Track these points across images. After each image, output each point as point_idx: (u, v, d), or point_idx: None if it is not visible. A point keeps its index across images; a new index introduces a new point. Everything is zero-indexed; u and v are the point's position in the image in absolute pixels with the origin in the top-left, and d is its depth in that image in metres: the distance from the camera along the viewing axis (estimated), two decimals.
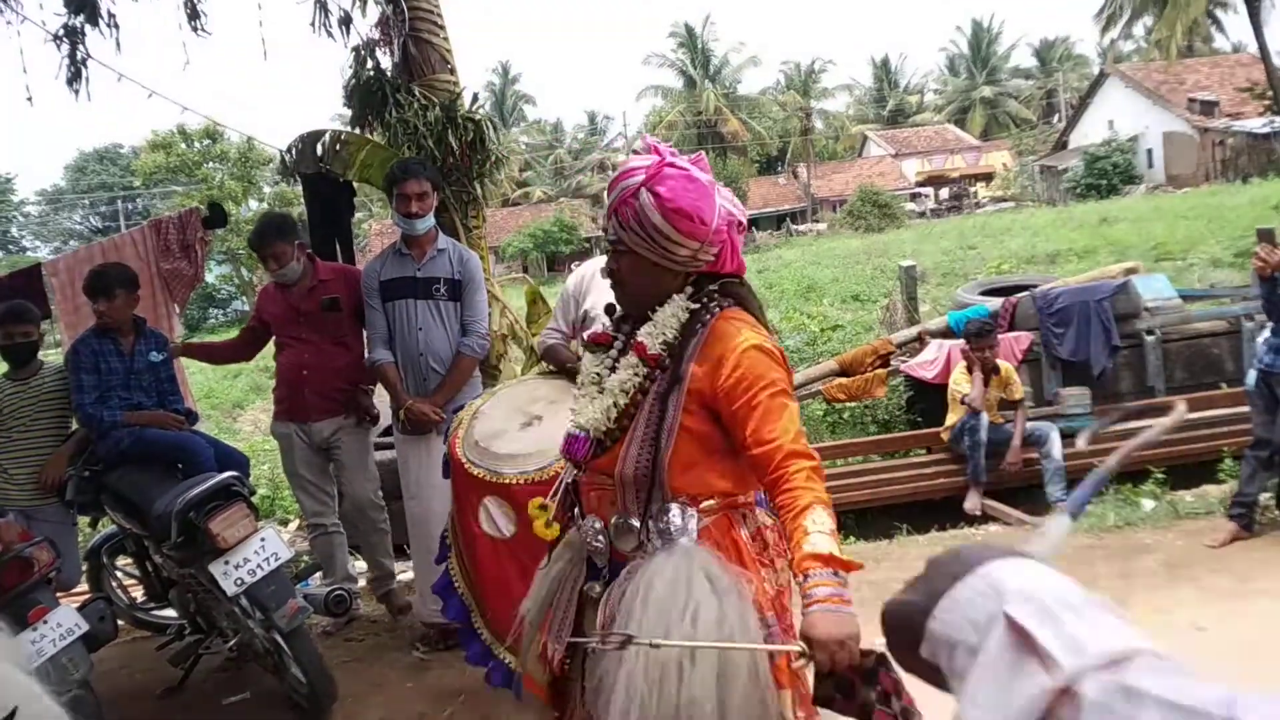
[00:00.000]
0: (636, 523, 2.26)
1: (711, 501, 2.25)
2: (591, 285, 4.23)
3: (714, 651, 1.99)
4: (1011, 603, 0.90)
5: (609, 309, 2.55)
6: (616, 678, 2.04)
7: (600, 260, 4.33)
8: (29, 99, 5.43)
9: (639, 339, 2.29)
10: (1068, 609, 0.88)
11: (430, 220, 4.74)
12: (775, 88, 60.70)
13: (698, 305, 2.27)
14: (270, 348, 5.36)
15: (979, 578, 0.95)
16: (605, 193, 2.36)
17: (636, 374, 2.28)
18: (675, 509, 2.22)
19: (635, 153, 2.32)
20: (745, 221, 2.32)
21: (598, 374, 2.40)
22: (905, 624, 1.03)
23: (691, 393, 2.21)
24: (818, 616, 1.93)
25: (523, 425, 3.86)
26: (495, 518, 3.66)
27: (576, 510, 2.44)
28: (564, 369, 4.14)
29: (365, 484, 5.12)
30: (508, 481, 3.63)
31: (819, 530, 2.01)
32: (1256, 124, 32.08)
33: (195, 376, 13.85)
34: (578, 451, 2.36)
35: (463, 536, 3.74)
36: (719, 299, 2.28)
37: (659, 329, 2.27)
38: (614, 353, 2.41)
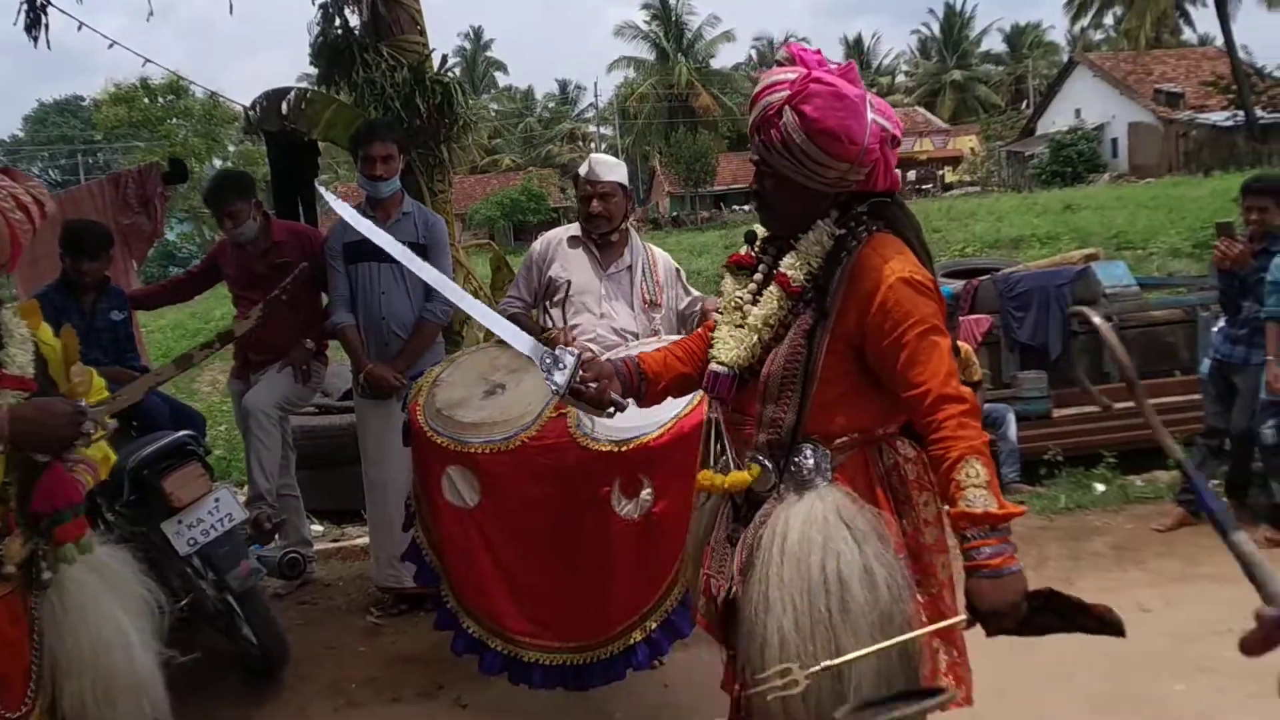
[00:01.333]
0: (770, 463, 2.17)
1: (845, 439, 2.14)
2: (556, 253, 4.22)
3: (870, 614, 1.91)
4: None
5: (749, 235, 2.41)
6: (766, 628, 1.98)
7: (568, 228, 4.34)
8: None
9: (782, 270, 2.17)
10: None
11: (395, 183, 4.69)
12: (748, 64, 60.53)
13: (844, 231, 2.14)
14: (225, 305, 5.30)
15: None
16: (748, 107, 2.21)
17: (780, 307, 2.16)
18: (808, 450, 2.12)
19: (779, 63, 2.16)
20: (900, 135, 2.18)
21: (739, 299, 2.27)
22: None
23: (837, 330, 2.10)
24: (979, 584, 1.87)
25: (485, 394, 3.84)
26: (459, 487, 3.65)
27: (718, 447, 2.31)
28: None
29: (265, 394, 4.94)
30: (473, 450, 3.61)
31: (973, 484, 1.90)
32: (1220, 117, 32.42)
33: (153, 335, 13.68)
34: (722, 389, 2.25)
35: (426, 505, 3.72)
36: (868, 223, 2.14)
37: (802, 259, 2.14)
38: (758, 279, 2.28)
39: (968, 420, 1.96)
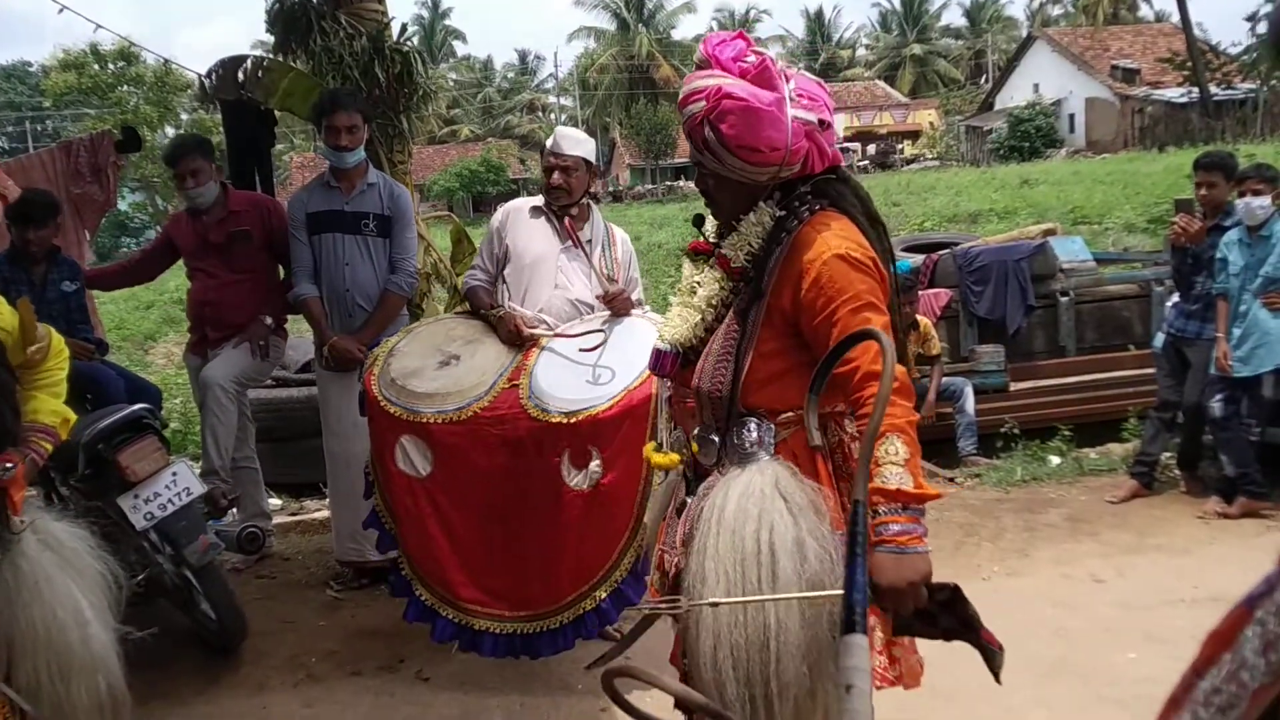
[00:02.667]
0: (716, 437, 2.19)
1: (790, 414, 2.15)
2: (514, 222, 4.22)
3: (795, 581, 1.91)
4: None
5: (698, 219, 2.45)
6: (703, 598, 1.98)
7: (529, 199, 4.33)
8: None
9: (722, 251, 2.21)
10: None
11: (360, 153, 4.65)
12: (708, 34, 60.28)
13: (784, 212, 2.16)
14: (178, 276, 5.22)
15: None
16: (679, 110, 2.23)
17: (721, 288, 2.20)
18: (752, 424, 2.14)
19: (698, 65, 2.17)
20: (830, 116, 2.16)
21: (695, 284, 2.30)
22: None
23: (772, 308, 2.12)
24: (882, 559, 1.85)
25: (440, 364, 3.87)
26: (412, 456, 3.69)
27: (661, 425, 2.37)
28: (479, 315, 4.14)
29: (222, 369, 4.85)
30: (425, 420, 3.65)
31: (891, 460, 1.89)
32: (1175, 94, 32.77)
33: (106, 307, 13.47)
34: (665, 367, 2.29)
35: (380, 473, 3.75)
36: (810, 202, 2.15)
37: (742, 239, 2.17)
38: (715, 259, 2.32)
39: (895, 398, 1.91)
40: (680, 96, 2.18)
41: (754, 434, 2.13)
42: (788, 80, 2.11)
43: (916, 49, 58.26)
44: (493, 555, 3.72)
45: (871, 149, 46.51)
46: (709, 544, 2.01)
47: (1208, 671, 0.58)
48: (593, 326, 4.00)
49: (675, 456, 2.27)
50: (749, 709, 1.92)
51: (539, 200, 4.23)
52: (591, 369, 3.75)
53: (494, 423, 3.65)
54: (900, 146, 45.62)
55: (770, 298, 2.11)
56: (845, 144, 47.32)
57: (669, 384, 2.37)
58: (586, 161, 4.14)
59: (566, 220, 4.13)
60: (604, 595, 3.62)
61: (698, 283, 2.30)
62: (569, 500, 3.60)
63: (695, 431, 2.26)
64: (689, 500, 2.27)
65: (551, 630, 3.67)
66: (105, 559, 2.59)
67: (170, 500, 3.89)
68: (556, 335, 3.96)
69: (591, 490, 3.58)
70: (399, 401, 3.71)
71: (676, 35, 55.97)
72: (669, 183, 42.20)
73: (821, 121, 2.13)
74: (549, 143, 4.17)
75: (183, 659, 4.16)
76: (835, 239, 2.06)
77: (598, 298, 4.08)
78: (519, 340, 3.94)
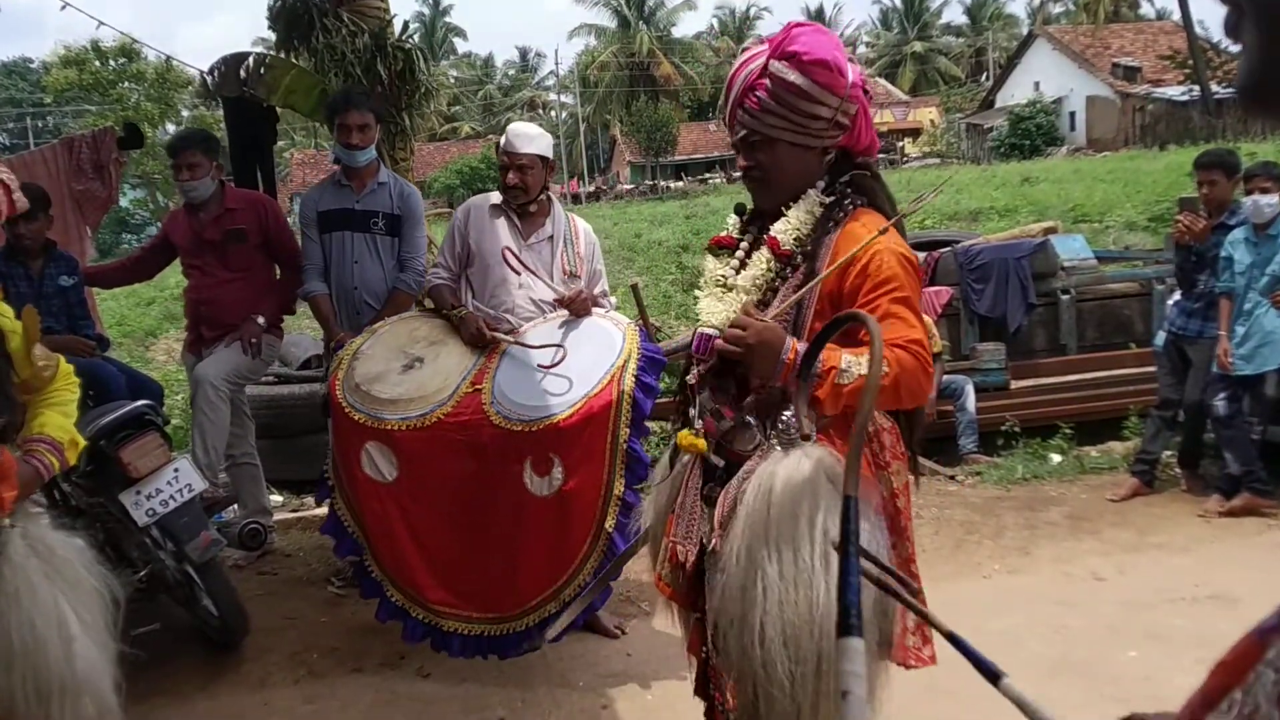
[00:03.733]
0: (755, 421, 2.19)
1: None
2: (475, 221, 4.22)
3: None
4: None
5: (739, 207, 2.47)
6: (748, 577, 1.99)
7: (489, 196, 4.33)
8: None
9: (772, 234, 2.23)
10: None
11: (371, 153, 4.67)
12: (709, 33, 60.33)
13: (831, 200, 2.21)
14: (177, 273, 5.22)
15: None
16: (724, 95, 2.30)
17: (769, 269, 2.22)
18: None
19: (745, 49, 2.25)
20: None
21: (722, 276, 2.32)
22: None
23: (822, 293, 2.14)
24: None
25: (404, 368, 3.89)
26: (377, 462, 3.71)
27: (691, 411, 2.33)
28: (442, 314, 4.14)
29: (214, 367, 4.83)
30: (389, 427, 3.66)
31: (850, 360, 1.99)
32: (1176, 92, 32.72)
33: (107, 303, 13.45)
34: (709, 354, 2.27)
35: (346, 479, 3.76)
36: (852, 196, 2.22)
37: (792, 224, 2.21)
38: (741, 253, 2.34)
39: (902, 351, 2.01)
40: (731, 73, 2.24)
41: (797, 419, 2.12)
42: None
43: (917, 46, 58.18)
44: (459, 559, 3.75)
45: None
46: (756, 525, 2.00)
47: (1218, 704, 0.57)
48: (553, 329, 4.00)
49: (703, 442, 2.25)
50: (797, 686, 1.92)
51: (499, 198, 4.24)
52: (552, 379, 3.76)
53: (458, 429, 3.67)
54: (900, 144, 45.59)
55: (820, 282, 2.14)
56: None
57: (696, 369, 2.36)
58: (542, 158, 4.15)
59: (525, 218, 4.17)
60: (569, 598, 3.64)
61: (724, 274, 2.32)
62: (532, 506, 3.64)
63: (736, 416, 2.23)
64: (715, 487, 2.25)
65: (518, 632, 3.72)
66: (103, 573, 2.44)
67: (172, 497, 3.89)
68: (517, 342, 3.95)
69: (554, 496, 3.62)
70: (363, 408, 3.72)
71: (677, 33, 55.99)
72: (666, 182, 42.11)
73: (866, 87, 2.20)
74: (503, 141, 4.18)
75: (185, 655, 4.17)
76: (888, 235, 2.13)
77: (555, 301, 4.08)
78: (483, 341, 3.94)
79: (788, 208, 2.24)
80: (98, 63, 38.74)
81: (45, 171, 5.97)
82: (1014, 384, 7.52)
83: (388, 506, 3.72)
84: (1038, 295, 8.06)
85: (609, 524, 3.64)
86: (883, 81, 55.72)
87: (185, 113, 39.79)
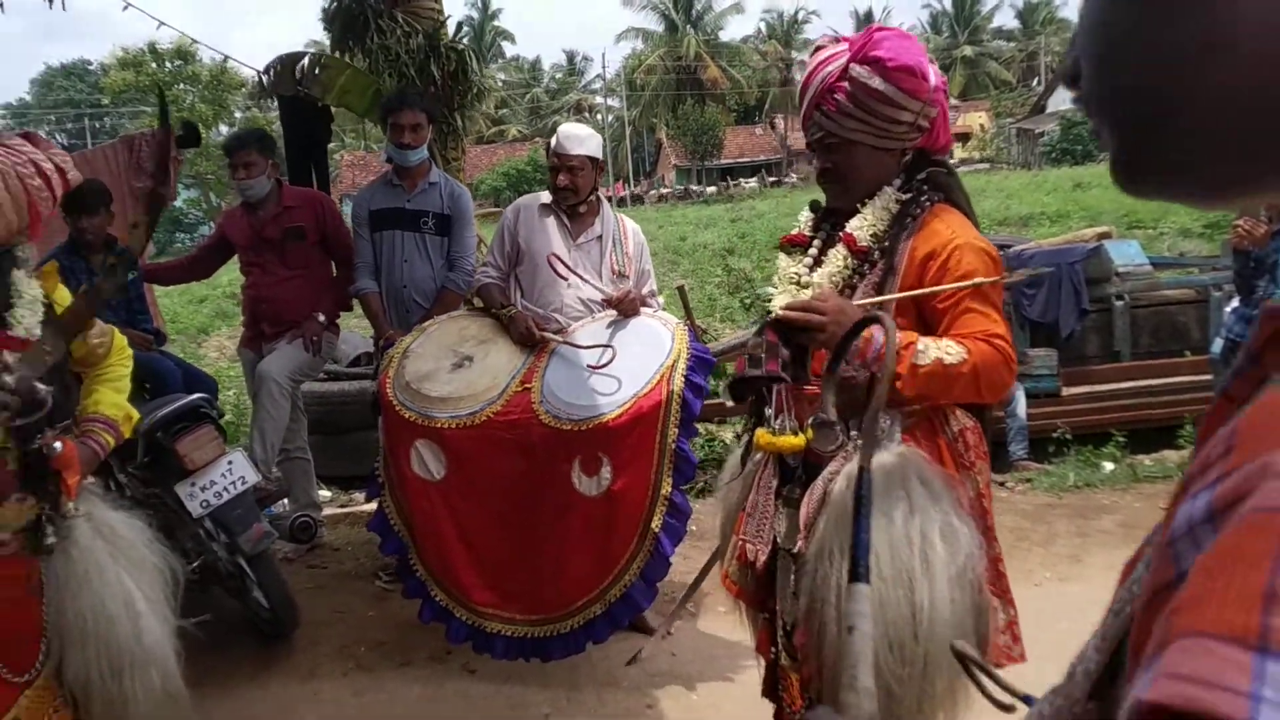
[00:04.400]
0: (838, 423, 2.12)
1: (916, 404, 2.14)
2: (525, 221, 4.24)
3: (949, 567, 1.92)
4: None
5: (814, 205, 2.47)
6: (844, 577, 1.94)
7: (539, 196, 4.34)
8: (0, 3, 5.25)
9: (848, 231, 2.23)
10: None
11: (423, 153, 4.71)
12: (757, 36, 60.16)
13: (908, 197, 2.20)
14: (231, 271, 5.29)
15: None
16: (799, 95, 2.30)
17: (845, 265, 2.22)
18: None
19: (819, 48, 2.26)
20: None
21: (796, 273, 2.31)
22: None
23: (901, 288, 2.13)
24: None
25: (454, 366, 3.89)
26: (426, 460, 3.71)
27: (768, 410, 2.30)
28: (491, 313, 4.15)
29: (278, 364, 4.91)
30: (439, 425, 3.67)
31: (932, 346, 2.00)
32: None
33: (161, 300, 13.63)
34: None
35: (395, 477, 3.78)
36: (929, 193, 2.21)
37: (869, 221, 2.20)
38: (814, 250, 2.34)
39: (984, 348, 2.01)
40: (807, 74, 2.24)
41: (884, 420, 2.12)
42: None
43: (967, 50, 57.67)
44: (506, 559, 3.75)
45: None
46: (849, 526, 1.97)
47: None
48: (602, 328, 4.01)
49: (800, 440, 2.19)
50: (902, 687, 1.90)
51: (548, 197, 4.26)
52: (601, 378, 3.77)
53: (507, 427, 3.68)
54: (951, 148, 45.20)
55: (899, 278, 2.14)
56: None
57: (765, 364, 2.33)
58: (592, 159, 4.17)
59: (574, 218, 4.19)
60: (614, 598, 3.65)
61: (797, 272, 2.31)
62: (580, 506, 3.63)
63: (811, 419, 2.17)
64: (794, 488, 2.22)
65: (562, 634, 3.71)
66: (163, 551, 2.56)
67: (226, 489, 3.95)
68: (566, 342, 3.97)
69: (602, 497, 3.61)
70: (413, 406, 3.73)
71: (724, 36, 55.97)
72: (700, 186, 42.06)
73: (944, 93, 2.21)
74: (553, 142, 4.19)
75: (236, 645, 4.22)
76: (969, 231, 2.14)
77: (603, 302, 4.09)
78: (532, 341, 3.96)
79: (863, 204, 2.22)
80: (154, 64, 39.45)
81: (106, 169, 6.07)
82: (1066, 390, 7.42)
83: (436, 504, 3.73)
84: (1091, 301, 7.96)
85: (655, 524, 3.64)
86: None
87: (238, 114, 40.42)
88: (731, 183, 42.31)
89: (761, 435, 2.26)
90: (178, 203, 36.76)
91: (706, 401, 4.02)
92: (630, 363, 3.79)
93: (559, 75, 66.86)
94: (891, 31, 2.13)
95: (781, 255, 2.44)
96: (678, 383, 3.68)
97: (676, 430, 3.67)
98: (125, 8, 6.33)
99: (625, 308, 4.01)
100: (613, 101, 58.02)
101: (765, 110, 55.09)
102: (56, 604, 2.29)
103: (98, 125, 48.84)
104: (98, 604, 2.31)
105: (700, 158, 45.27)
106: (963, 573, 1.94)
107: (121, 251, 4.96)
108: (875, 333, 1.97)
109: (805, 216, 2.45)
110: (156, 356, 4.79)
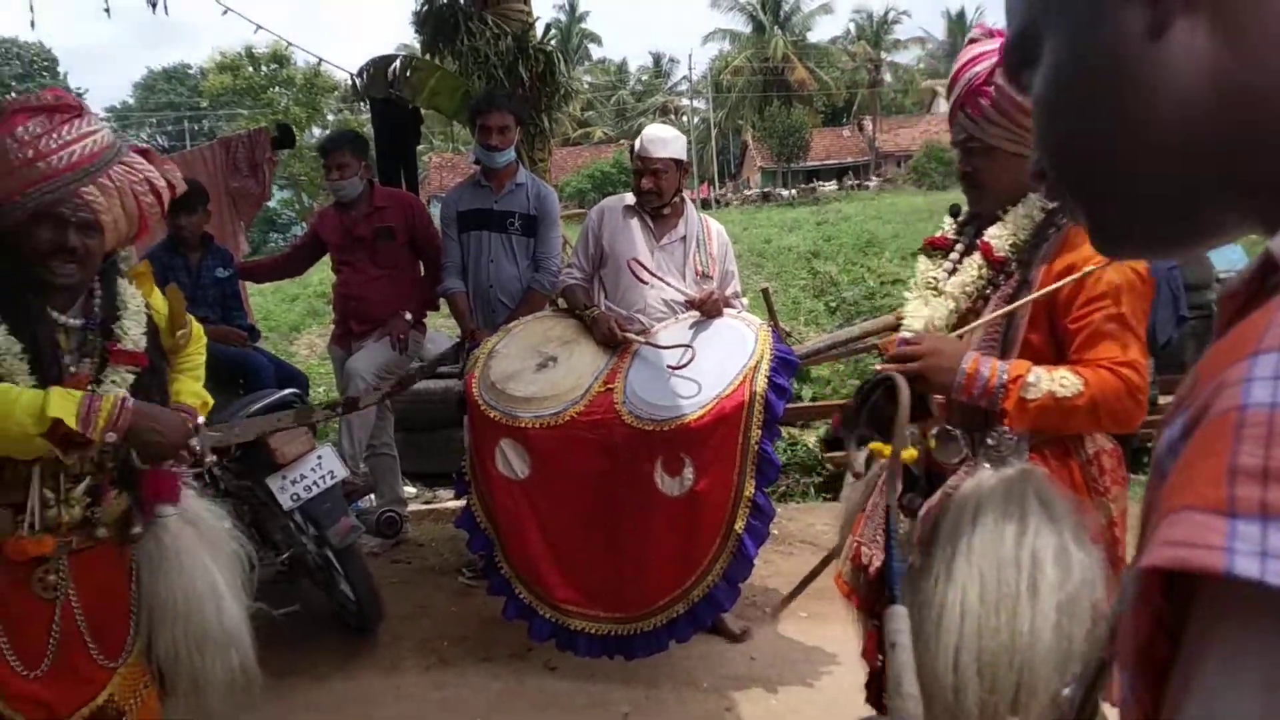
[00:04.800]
0: (961, 435, 2.10)
1: None
2: (608, 222, 4.25)
3: (1058, 593, 1.86)
4: None
5: (954, 209, 2.37)
6: (946, 598, 1.93)
7: (623, 198, 4.35)
8: (106, 10, 5.45)
9: (986, 239, 2.13)
10: None
11: (510, 154, 4.75)
12: (845, 37, 59.58)
13: (1054, 204, 2.05)
14: (322, 270, 5.40)
15: None
16: (946, 90, 2.20)
17: (980, 276, 2.12)
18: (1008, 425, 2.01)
19: (972, 40, 2.13)
20: None
21: (934, 278, 2.23)
22: None
23: (1037, 303, 2.02)
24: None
25: (538, 366, 3.93)
26: (510, 459, 3.75)
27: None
28: (575, 314, 4.17)
29: (366, 362, 4.98)
30: (523, 425, 3.70)
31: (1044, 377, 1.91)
32: None
33: (254, 299, 13.99)
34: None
35: (480, 475, 3.81)
36: None
37: (1009, 230, 2.10)
38: (955, 255, 2.24)
39: (1106, 378, 1.91)
40: (955, 70, 2.12)
41: (1011, 436, 2.04)
42: None
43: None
44: (589, 557, 3.76)
45: None
46: (960, 544, 1.94)
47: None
48: (685, 329, 4.01)
49: (914, 452, 2.13)
50: (987, 716, 1.86)
51: (632, 199, 4.27)
52: (684, 379, 3.76)
53: (590, 427, 3.69)
54: None
55: (1036, 291, 2.03)
56: None
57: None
58: (676, 161, 4.17)
59: (658, 219, 4.20)
60: (697, 598, 3.65)
61: (935, 277, 2.22)
62: (662, 506, 3.63)
63: (934, 429, 2.14)
64: (915, 497, 2.18)
65: (645, 632, 3.71)
66: (240, 538, 2.64)
67: (315, 483, 4.03)
68: (648, 342, 3.97)
69: (684, 496, 3.61)
70: (498, 405, 3.77)
71: (812, 37, 55.53)
72: (778, 189, 41.80)
73: None
74: (637, 145, 4.19)
75: (322, 637, 4.30)
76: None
77: (687, 303, 4.07)
78: (614, 341, 3.96)
79: (1005, 211, 2.12)
80: (250, 68, 40.54)
81: (204, 169, 6.25)
82: (1162, 399, 7.21)
83: (519, 503, 3.77)
84: (1190, 307, 7.71)
85: (739, 526, 3.62)
86: None
87: (331, 116, 41.32)
88: (812, 185, 42.01)
89: (880, 445, 2.19)
90: (272, 203, 37.70)
91: (789, 405, 3.99)
92: (713, 364, 3.79)
93: (645, 77, 67.06)
94: None
95: (922, 258, 2.33)
96: (761, 384, 3.66)
97: (759, 431, 3.65)
98: (225, 12, 6.51)
99: (708, 308, 4.00)
100: (699, 103, 58.00)
101: (853, 112, 54.58)
102: (148, 586, 2.39)
103: (195, 127, 50.30)
104: (187, 585, 2.40)
105: (786, 160, 44.99)
106: (1074, 601, 1.86)
107: (218, 249, 5.10)
108: (981, 366, 1.92)
109: (949, 221, 2.34)
110: (250, 352, 4.91)
